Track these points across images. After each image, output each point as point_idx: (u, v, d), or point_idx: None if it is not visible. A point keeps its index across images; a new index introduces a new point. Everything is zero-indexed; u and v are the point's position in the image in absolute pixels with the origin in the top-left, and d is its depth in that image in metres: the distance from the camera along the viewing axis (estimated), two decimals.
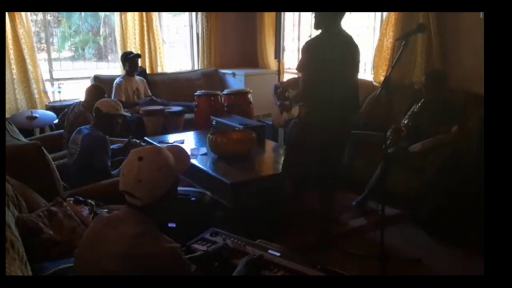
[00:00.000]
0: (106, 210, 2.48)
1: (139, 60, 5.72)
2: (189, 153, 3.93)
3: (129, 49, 6.04)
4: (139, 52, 6.05)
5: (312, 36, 3.23)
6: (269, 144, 4.42)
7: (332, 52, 3.06)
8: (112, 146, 3.56)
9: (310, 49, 3.10)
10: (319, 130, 3.12)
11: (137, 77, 5.59)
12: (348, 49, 3.14)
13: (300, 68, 3.19)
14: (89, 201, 2.55)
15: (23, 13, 5.33)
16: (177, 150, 1.85)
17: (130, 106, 5.28)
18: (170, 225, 2.60)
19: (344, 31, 3.20)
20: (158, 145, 4.14)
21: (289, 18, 6.74)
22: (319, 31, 3.17)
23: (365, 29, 5.95)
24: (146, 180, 1.63)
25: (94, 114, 3.47)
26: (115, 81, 5.39)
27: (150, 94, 5.69)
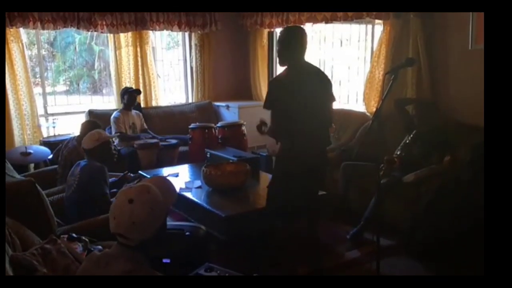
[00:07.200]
0: (100, 246, 2.47)
1: None
2: (183, 186, 3.96)
3: (123, 83, 6.13)
4: (134, 86, 6.11)
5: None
6: (264, 176, 4.42)
7: (297, 86, 3.07)
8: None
9: (275, 86, 3.14)
10: (293, 162, 3.11)
11: (133, 111, 5.63)
12: (314, 82, 3.13)
13: (267, 106, 3.16)
14: (83, 237, 2.55)
15: (18, 49, 5.38)
16: (162, 182, 1.86)
17: (131, 139, 5.32)
18: (164, 260, 2.59)
19: (310, 64, 3.22)
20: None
21: None
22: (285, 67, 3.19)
23: (355, 60, 6.06)
24: (139, 222, 1.64)
25: (85, 155, 3.51)
26: (113, 115, 5.42)
27: (146, 127, 5.72)
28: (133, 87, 6.01)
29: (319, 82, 3.17)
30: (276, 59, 6.31)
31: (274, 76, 6.07)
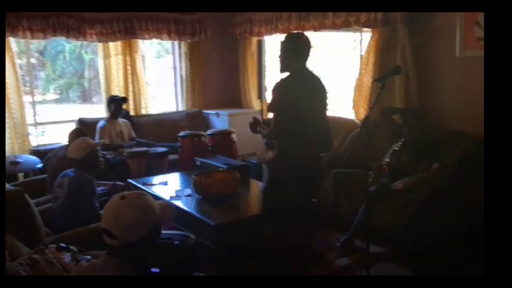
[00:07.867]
0: (88, 256, 2.46)
1: None
2: (173, 194, 3.96)
3: (113, 92, 6.10)
4: (123, 94, 6.10)
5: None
6: (254, 184, 4.43)
7: (301, 92, 3.08)
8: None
9: (280, 89, 3.15)
10: (291, 167, 3.10)
11: (121, 120, 5.62)
12: (316, 89, 3.16)
13: (271, 108, 3.19)
14: (72, 247, 2.54)
15: (8, 58, 5.36)
16: (165, 204, 1.90)
17: (115, 149, 5.31)
18: (153, 270, 2.58)
19: (311, 72, 3.24)
20: (142, 187, 4.16)
21: (271, 58, 6.88)
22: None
23: (344, 67, 6.11)
24: (123, 217, 1.66)
25: (73, 165, 3.46)
26: (98, 125, 5.39)
27: (134, 136, 5.70)
28: (122, 95, 5.99)
29: (317, 91, 3.18)
30: (265, 68, 6.35)
31: (263, 84, 6.08)
